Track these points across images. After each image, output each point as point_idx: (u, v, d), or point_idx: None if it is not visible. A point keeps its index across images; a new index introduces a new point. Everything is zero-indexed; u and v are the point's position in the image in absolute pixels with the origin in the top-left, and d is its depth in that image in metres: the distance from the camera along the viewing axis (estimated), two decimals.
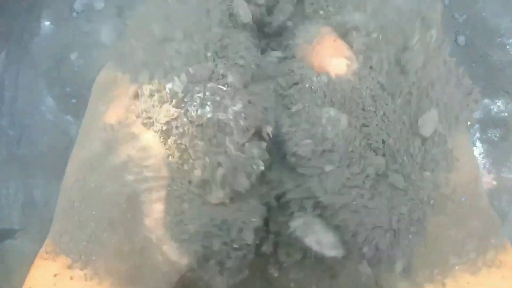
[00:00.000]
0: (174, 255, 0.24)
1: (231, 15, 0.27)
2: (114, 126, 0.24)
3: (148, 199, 0.23)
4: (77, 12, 0.45)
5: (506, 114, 0.47)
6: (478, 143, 0.47)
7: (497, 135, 0.47)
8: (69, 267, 0.23)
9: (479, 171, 0.25)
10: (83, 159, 0.24)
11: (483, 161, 0.47)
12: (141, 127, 0.24)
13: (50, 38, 0.45)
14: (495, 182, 0.46)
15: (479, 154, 0.47)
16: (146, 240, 0.24)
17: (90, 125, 0.25)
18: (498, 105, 0.47)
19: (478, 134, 0.47)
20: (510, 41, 0.48)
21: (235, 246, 0.24)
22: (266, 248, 0.28)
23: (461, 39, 0.47)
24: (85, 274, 0.23)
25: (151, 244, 0.24)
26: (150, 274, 0.24)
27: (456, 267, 0.23)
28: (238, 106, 0.23)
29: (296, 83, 0.25)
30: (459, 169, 0.24)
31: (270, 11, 0.29)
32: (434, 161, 0.23)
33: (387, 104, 0.23)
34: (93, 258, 0.23)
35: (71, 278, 0.23)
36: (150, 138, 0.24)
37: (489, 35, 0.48)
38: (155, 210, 0.23)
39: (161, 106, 0.23)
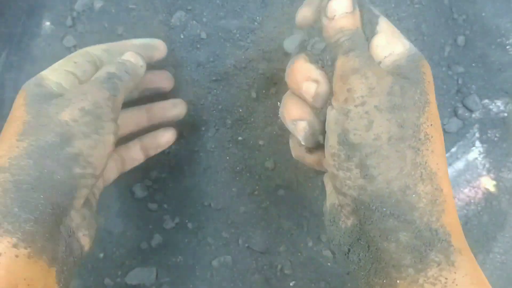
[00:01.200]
0: (85, 242, 0.30)
1: None
2: (68, 122, 0.28)
3: (80, 195, 0.28)
4: (78, 12, 0.45)
5: (505, 114, 0.47)
6: (477, 143, 0.47)
7: (497, 135, 0.47)
8: (15, 246, 0.25)
9: (419, 180, 0.24)
10: (35, 145, 0.27)
11: (482, 161, 0.47)
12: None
13: (50, 38, 0.45)
14: (494, 182, 0.46)
15: (479, 154, 0.47)
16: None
17: (40, 119, 0.28)
18: (497, 105, 0.47)
19: (477, 134, 0.47)
20: (510, 41, 0.48)
21: None
22: None
23: (461, 39, 0.47)
24: (29, 253, 0.25)
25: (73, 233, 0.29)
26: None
27: (398, 281, 0.23)
28: None
29: None
30: (376, 177, 0.24)
31: None
32: None
33: None
34: (37, 237, 0.25)
35: (16, 256, 0.24)
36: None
37: (489, 35, 0.48)
38: (79, 204, 0.29)
39: None
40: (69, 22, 0.45)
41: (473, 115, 0.47)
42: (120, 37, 0.45)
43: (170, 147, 0.44)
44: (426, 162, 0.24)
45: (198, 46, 0.45)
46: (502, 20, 0.48)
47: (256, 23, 0.45)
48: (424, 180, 0.24)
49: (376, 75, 0.25)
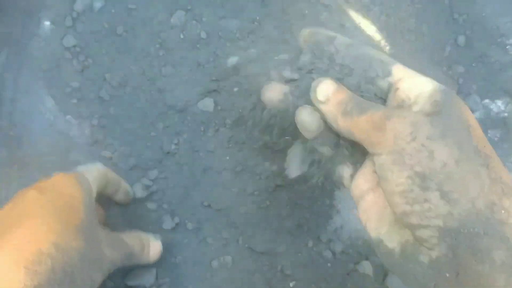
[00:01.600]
0: None
1: None
2: (107, 258, 0.34)
3: None
4: (78, 13, 0.45)
5: (506, 114, 0.47)
6: None
7: (497, 135, 0.47)
8: None
9: (502, 195, 0.23)
10: (87, 254, 0.31)
11: None
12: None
13: (50, 38, 0.45)
14: None
15: None
16: None
17: (92, 233, 0.33)
18: (498, 105, 0.47)
19: None
20: (510, 41, 0.48)
21: None
22: None
23: (461, 39, 0.47)
24: None
25: None
26: None
27: None
28: None
29: None
30: (458, 200, 0.23)
31: None
32: None
33: None
34: None
35: None
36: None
37: (489, 35, 0.48)
38: None
39: None
40: (69, 22, 0.45)
41: (474, 115, 0.47)
42: (120, 37, 0.45)
43: (170, 147, 0.44)
44: (501, 177, 0.23)
45: (198, 46, 0.45)
46: (502, 20, 0.48)
47: (256, 23, 0.45)
48: (507, 194, 0.23)
49: (408, 116, 0.25)
